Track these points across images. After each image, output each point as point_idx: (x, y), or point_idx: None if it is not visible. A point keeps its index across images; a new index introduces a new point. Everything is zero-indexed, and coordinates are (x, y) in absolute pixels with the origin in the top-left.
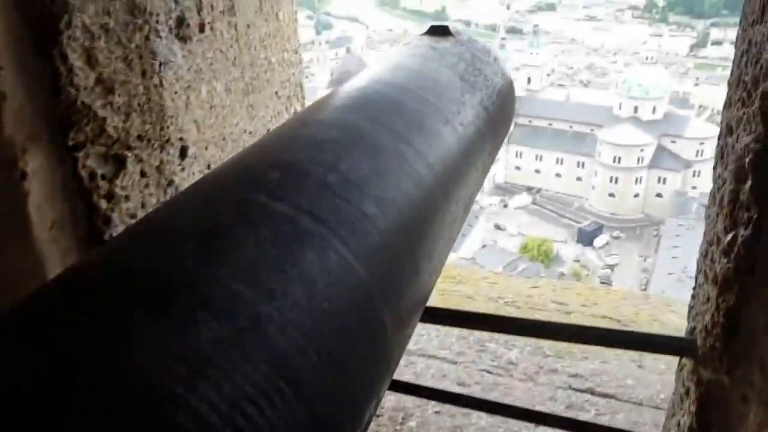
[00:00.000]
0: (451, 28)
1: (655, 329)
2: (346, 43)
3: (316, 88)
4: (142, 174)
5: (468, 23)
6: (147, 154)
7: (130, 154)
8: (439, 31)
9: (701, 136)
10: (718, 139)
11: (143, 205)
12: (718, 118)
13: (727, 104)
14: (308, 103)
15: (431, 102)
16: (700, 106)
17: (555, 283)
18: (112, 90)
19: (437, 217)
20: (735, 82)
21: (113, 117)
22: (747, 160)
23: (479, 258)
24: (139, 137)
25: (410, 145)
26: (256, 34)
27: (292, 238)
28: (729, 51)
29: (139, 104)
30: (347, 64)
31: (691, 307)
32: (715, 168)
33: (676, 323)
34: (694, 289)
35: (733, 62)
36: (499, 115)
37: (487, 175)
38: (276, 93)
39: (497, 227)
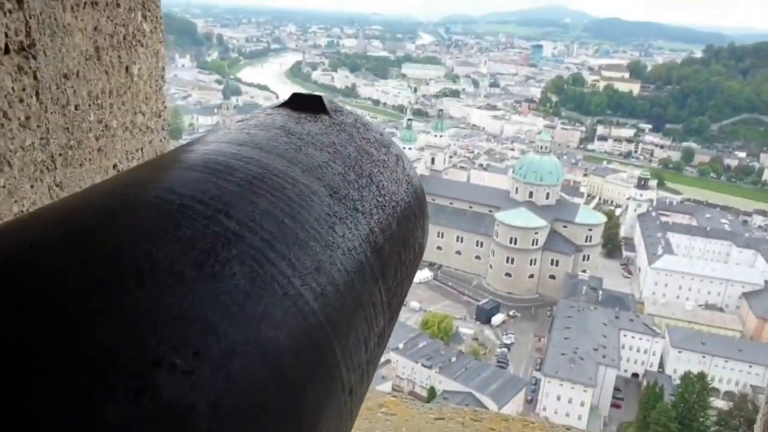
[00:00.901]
0: (326, 101)
1: None
2: (255, 110)
3: None
4: None
5: (377, 102)
6: None
7: None
8: (305, 104)
9: (590, 222)
10: None
11: None
12: (605, 207)
13: None
14: None
15: (257, 250)
16: (589, 195)
17: (463, 412)
18: None
19: None
20: None
21: None
22: None
23: None
24: None
25: (165, 376)
26: (83, 89)
27: None
28: (612, 146)
29: None
30: None
31: None
32: None
33: None
34: None
35: None
36: (401, 256)
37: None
38: (115, 166)
39: None
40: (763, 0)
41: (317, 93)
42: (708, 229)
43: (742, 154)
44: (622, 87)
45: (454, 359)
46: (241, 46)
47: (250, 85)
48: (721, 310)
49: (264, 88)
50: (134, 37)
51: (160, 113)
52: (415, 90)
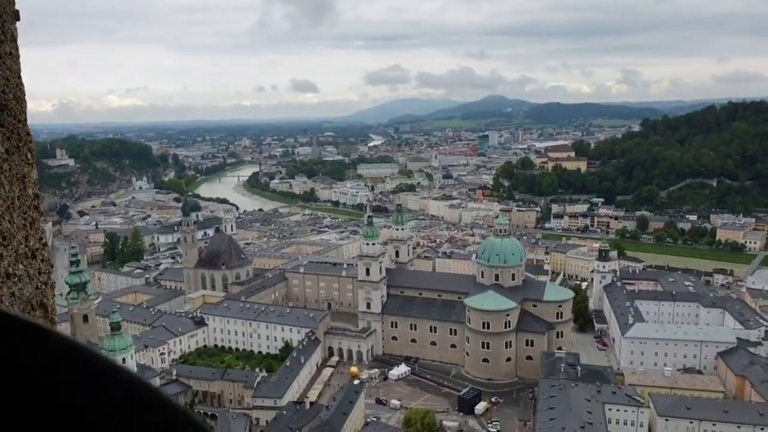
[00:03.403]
0: None
1: None
2: (216, 223)
3: (183, 269)
4: None
5: (336, 203)
6: None
7: None
8: None
9: (558, 299)
10: None
11: None
12: (571, 282)
13: None
14: None
15: None
16: (553, 272)
17: None
18: None
19: None
20: None
21: None
22: None
23: None
24: None
25: None
26: None
27: None
28: (569, 223)
29: None
30: (217, 243)
31: None
32: None
33: None
34: None
35: None
36: None
37: None
38: None
39: (379, 402)
40: (688, 76)
41: None
42: (674, 293)
43: (693, 217)
44: (570, 166)
45: None
46: (198, 163)
47: (209, 199)
48: (699, 372)
49: (223, 201)
50: None
51: (33, 254)
52: (372, 188)
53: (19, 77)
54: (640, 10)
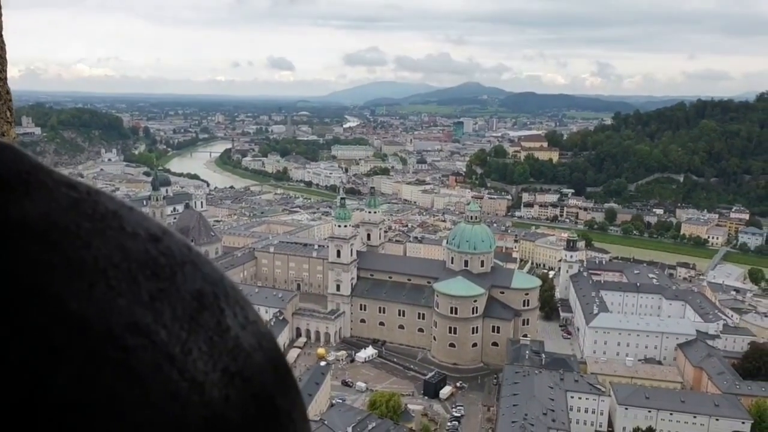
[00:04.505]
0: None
1: None
2: (186, 199)
3: None
4: None
5: (309, 183)
6: None
7: None
8: None
9: (526, 287)
10: None
11: None
12: (539, 271)
13: None
14: None
15: None
16: (522, 260)
17: None
18: None
19: None
20: None
21: None
22: None
23: (328, 419)
24: None
25: None
26: None
27: None
28: (539, 212)
29: None
30: (186, 220)
31: None
32: None
33: None
34: None
35: None
36: None
37: None
38: None
39: (345, 384)
40: (660, 72)
41: None
42: (638, 284)
43: (660, 211)
44: (542, 156)
45: None
46: (169, 137)
47: (180, 175)
48: (659, 362)
49: (194, 177)
50: None
51: None
52: (346, 170)
53: (0, 35)
54: (615, 3)
